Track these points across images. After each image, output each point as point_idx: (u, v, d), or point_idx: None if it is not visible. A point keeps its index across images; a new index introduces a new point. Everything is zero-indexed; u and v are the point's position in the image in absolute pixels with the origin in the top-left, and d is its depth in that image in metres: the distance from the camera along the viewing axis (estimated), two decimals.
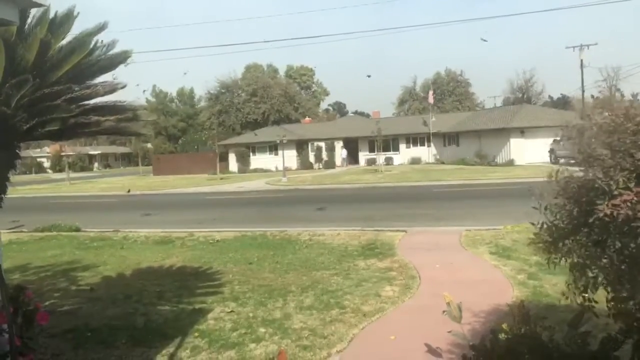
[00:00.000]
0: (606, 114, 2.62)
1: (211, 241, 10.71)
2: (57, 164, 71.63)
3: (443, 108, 64.96)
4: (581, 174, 2.64)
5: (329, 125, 52.94)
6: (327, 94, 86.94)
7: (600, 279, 2.64)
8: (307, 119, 59.76)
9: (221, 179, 37.00)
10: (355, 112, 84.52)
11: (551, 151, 31.79)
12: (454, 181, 24.98)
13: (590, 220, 2.48)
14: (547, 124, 34.50)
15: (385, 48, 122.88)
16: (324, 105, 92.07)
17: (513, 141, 35.45)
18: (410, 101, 71.54)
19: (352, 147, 48.24)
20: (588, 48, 42.07)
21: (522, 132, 35.51)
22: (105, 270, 8.55)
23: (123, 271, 8.46)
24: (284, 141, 36.52)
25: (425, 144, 45.59)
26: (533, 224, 2.78)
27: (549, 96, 70.19)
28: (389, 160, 44.06)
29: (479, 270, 7.31)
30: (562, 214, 2.64)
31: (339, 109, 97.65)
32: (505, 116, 38.68)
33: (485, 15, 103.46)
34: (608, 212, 2.31)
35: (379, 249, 8.97)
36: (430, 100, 48.98)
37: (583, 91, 43.28)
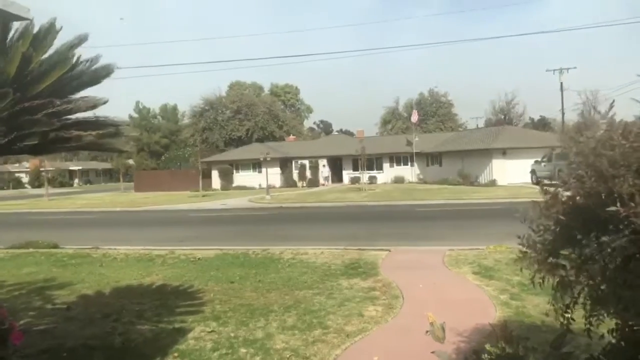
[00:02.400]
0: (591, 133, 2.68)
1: (192, 259, 10.59)
2: (36, 180, 70.51)
3: (426, 128, 65.75)
4: (569, 192, 2.68)
5: (313, 144, 53.10)
6: (311, 112, 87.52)
7: (582, 298, 2.66)
8: (291, 137, 59.91)
9: (204, 196, 36.74)
10: (341, 131, 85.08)
11: (532, 172, 32.26)
12: (437, 201, 25.15)
13: (581, 236, 2.51)
14: (528, 145, 35.11)
15: (370, 68, 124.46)
16: (308, 123, 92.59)
17: (495, 162, 35.94)
18: (393, 121, 72.34)
19: (337, 165, 48.37)
20: (567, 71, 43.18)
21: (504, 152, 36.04)
22: (83, 289, 8.37)
23: (101, 289, 8.29)
24: (268, 159, 36.54)
25: (409, 163, 45.94)
26: (520, 237, 2.80)
27: (530, 118, 71.46)
28: (372, 179, 44.25)
29: (462, 290, 7.33)
30: (551, 229, 2.67)
31: (325, 128, 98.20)
32: (488, 137, 39.27)
33: (470, 37, 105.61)
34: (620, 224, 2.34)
35: (362, 268, 8.95)
36: (414, 119, 49.53)
37: (563, 113, 44.27)
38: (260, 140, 59.77)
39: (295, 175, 47.20)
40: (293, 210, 24.23)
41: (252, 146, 51.17)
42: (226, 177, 47.11)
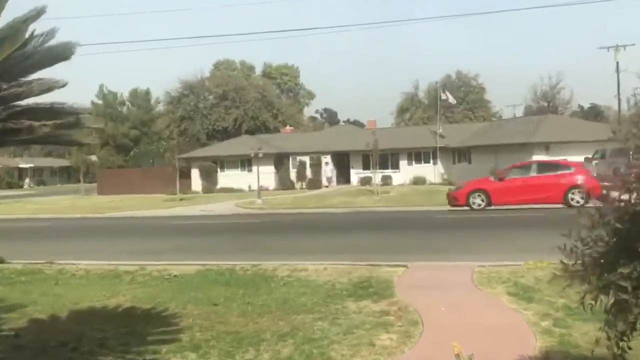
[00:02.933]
0: None
1: (167, 277, 10.61)
2: None
3: (452, 118, 65.79)
4: (628, 196, 2.66)
5: (315, 136, 53.21)
6: (313, 98, 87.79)
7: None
8: (288, 128, 60.06)
9: (181, 199, 36.82)
10: (348, 121, 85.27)
11: None
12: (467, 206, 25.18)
13: None
14: (576, 139, 35.09)
15: (384, 46, 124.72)
16: (309, 111, 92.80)
17: (536, 158, 35.91)
18: (412, 109, 72.41)
19: (343, 163, 48.46)
20: (625, 49, 43.14)
21: (546, 147, 36.03)
22: (34, 312, 8.40)
23: (57, 313, 8.32)
24: (260, 155, 36.54)
25: (431, 160, 45.97)
26: (561, 248, 2.79)
27: (579, 105, 71.50)
28: (386, 180, 44.29)
29: (494, 314, 7.33)
30: (604, 240, 2.66)
31: (329, 117, 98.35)
32: (527, 128, 39.28)
33: (501, 8, 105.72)
34: None
35: (373, 288, 8.96)
36: (451, 99, 49.07)
37: (619, 100, 44.11)
38: (251, 132, 59.87)
39: (292, 174, 47.27)
40: (290, 218, 24.20)
41: (241, 139, 51.28)
42: (209, 177, 47.24)
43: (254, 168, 41.19)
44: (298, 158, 47.54)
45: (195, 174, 47.88)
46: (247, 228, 20.73)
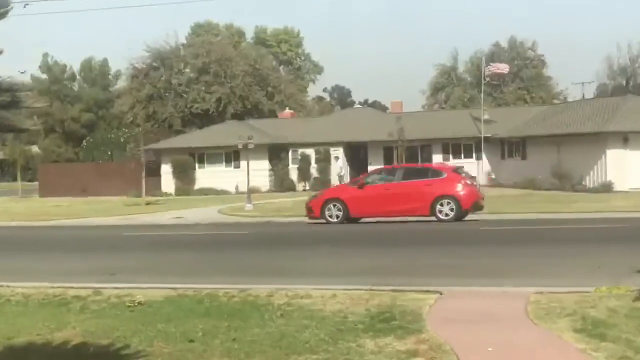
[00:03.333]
0: None
1: (130, 304, 10.62)
2: None
3: (502, 99, 65.73)
4: None
5: (322, 123, 53.30)
6: (320, 72, 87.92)
7: None
8: (287, 111, 60.16)
9: (148, 204, 36.92)
10: (366, 103, 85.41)
11: None
12: (518, 214, 25.16)
13: None
14: None
15: (413, 5, 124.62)
16: (316, 90, 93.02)
17: (611, 153, 35.81)
18: (449, 88, 72.34)
19: (359, 157, 48.51)
20: None
21: (624, 139, 35.91)
22: None
23: None
24: (251, 146, 36.48)
25: (474, 154, 45.98)
26: None
27: None
28: None
29: (556, 356, 7.30)
30: None
31: (341, 98, 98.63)
32: (600, 114, 39.18)
33: None
34: None
35: (397, 321, 8.93)
36: (504, 70, 48.44)
37: None
38: (239, 116, 59.99)
39: (292, 172, 47.33)
40: (289, 228, 24.13)
41: (226, 126, 51.43)
42: (184, 175, 47.36)
43: (243, 163, 41.23)
44: (300, 151, 47.63)
45: (166, 170, 48.03)
46: (234, 241, 20.72)
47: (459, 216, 23.12)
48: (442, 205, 23.19)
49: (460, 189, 23.47)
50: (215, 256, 17.22)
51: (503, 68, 48.26)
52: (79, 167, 55.58)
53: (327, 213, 23.99)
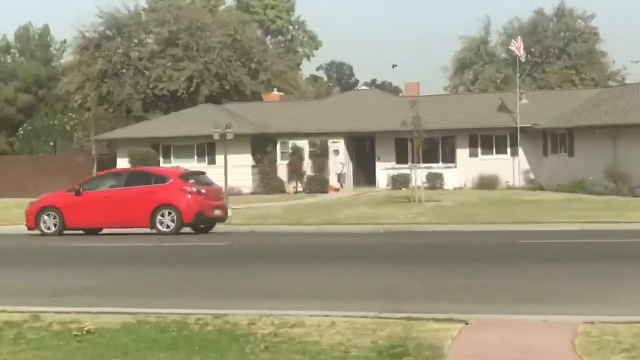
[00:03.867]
0: None
1: (77, 332, 10.57)
2: None
3: (544, 81, 65.62)
4: None
5: (318, 108, 53.35)
6: (317, 47, 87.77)
7: None
8: (275, 93, 60.06)
9: None
10: (373, 84, 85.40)
11: None
12: (563, 225, 25.19)
13: None
14: None
15: None
16: (310, 68, 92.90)
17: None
18: (477, 66, 72.13)
19: (364, 151, 48.54)
20: None
21: None
22: None
23: None
24: (229, 136, 36.42)
25: (507, 149, 46.04)
26: None
27: None
28: (435, 180, 44.42)
29: None
30: None
31: (342, 78, 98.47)
32: None
33: None
34: None
35: (411, 357, 8.91)
36: (520, 51, 48.16)
37: None
38: (215, 99, 59.95)
39: (282, 170, 47.27)
40: (276, 240, 24.20)
41: (199, 111, 51.45)
42: None
43: (220, 158, 41.14)
44: (291, 143, 47.59)
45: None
46: (207, 255, 20.71)
47: (179, 228, 24.37)
48: (162, 215, 24.44)
49: (182, 197, 24.63)
50: (184, 272, 17.12)
51: (521, 50, 47.80)
52: (14, 160, 55.30)
53: (42, 223, 25.14)
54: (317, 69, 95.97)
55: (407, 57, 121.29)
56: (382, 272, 16.21)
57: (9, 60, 78.38)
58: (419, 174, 39.26)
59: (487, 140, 46.44)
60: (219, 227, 27.20)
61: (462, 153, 46.35)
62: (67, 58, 73.15)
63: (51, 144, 59.57)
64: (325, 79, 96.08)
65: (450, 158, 46.58)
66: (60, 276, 16.98)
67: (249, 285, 15.06)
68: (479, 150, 46.45)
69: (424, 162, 41.02)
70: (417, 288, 14.09)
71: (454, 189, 44.42)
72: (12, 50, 79.51)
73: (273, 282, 15.34)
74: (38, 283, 15.99)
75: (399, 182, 44.83)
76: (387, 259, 18.66)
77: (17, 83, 74.39)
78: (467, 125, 46.32)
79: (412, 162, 39.86)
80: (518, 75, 50.68)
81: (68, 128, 58.19)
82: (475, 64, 72.03)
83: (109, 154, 47.80)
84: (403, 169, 44.97)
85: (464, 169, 45.89)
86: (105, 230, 26.15)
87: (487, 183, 44.40)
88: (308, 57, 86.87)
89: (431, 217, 28.49)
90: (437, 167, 45.49)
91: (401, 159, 45.62)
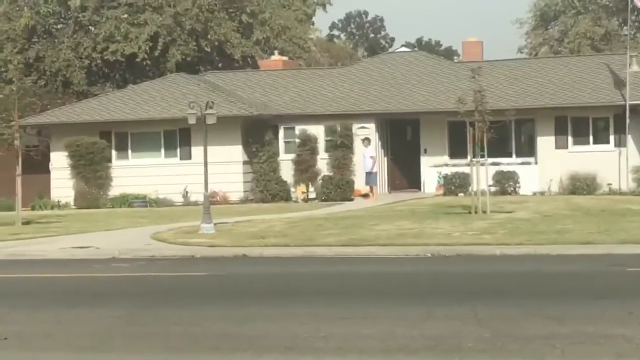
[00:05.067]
0: None
1: None
2: None
3: None
4: None
5: (338, 79, 53.30)
6: None
7: None
8: (276, 57, 59.99)
9: (28, 223, 37.08)
10: (419, 43, 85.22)
11: None
12: None
13: None
14: None
15: None
16: (325, 22, 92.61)
17: None
18: (567, 16, 72.01)
19: (403, 140, 48.57)
20: None
21: None
22: None
23: None
24: (211, 119, 36.21)
25: (611, 137, 45.89)
26: None
27: None
28: (506, 181, 44.32)
29: None
30: None
31: (367, 35, 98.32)
32: None
33: None
34: None
35: None
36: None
37: None
38: (190, 66, 60.09)
39: (286, 167, 47.18)
40: (276, 267, 24.36)
41: (167, 83, 51.57)
42: (91, 171, 47.37)
43: (196, 151, 41.19)
44: (299, 128, 47.47)
45: (60, 163, 48.12)
46: (181, 289, 20.70)
47: None
48: None
49: None
50: (145, 314, 17.10)
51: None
52: None
53: None
54: (335, 26, 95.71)
55: (465, 5, 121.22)
56: (430, 314, 16.05)
57: None
58: (482, 173, 38.96)
59: (581, 124, 46.18)
60: (199, 250, 27.22)
61: (544, 143, 46.11)
62: None
63: None
64: (347, 37, 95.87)
65: (527, 150, 46.44)
66: None
67: (235, 333, 14.93)
68: (569, 139, 46.17)
69: (491, 156, 40.85)
70: (480, 337, 13.94)
71: (534, 193, 44.25)
72: None
73: (271, 329, 15.17)
74: None
75: (453, 184, 44.65)
76: (436, 295, 18.52)
77: None
78: (552, 103, 46.03)
79: (473, 156, 39.46)
80: (628, 30, 50.41)
81: None
82: (564, 14, 71.99)
83: (40, 146, 47.67)
84: (460, 166, 44.80)
85: (548, 165, 45.71)
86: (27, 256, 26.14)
87: (580, 186, 44.15)
88: (323, 6, 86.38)
89: (500, 235, 28.27)
90: (509, 164, 45.28)
91: (457, 151, 45.31)
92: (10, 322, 16.71)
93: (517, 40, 74.61)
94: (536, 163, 45.83)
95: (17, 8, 64.76)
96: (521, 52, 70.07)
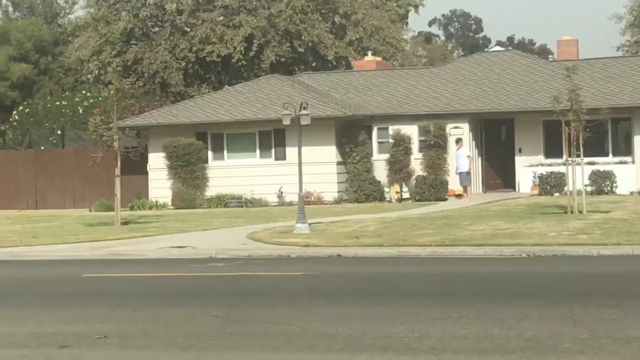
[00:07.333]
0: None
1: None
2: None
3: None
4: None
5: (432, 79, 53.04)
6: None
7: None
8: (370, 58, 59.76)
9: (126, 223, 37.41)
10: (509, 43, 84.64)
11: None
12: None
13: None
14: None
15: None
16: (419, 22, 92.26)
17: None
18: None
19: (497, 140, 48.20)
20: None
21: None
22: None
23: None
24: (305, 120, 36.19)
25: None
26: None
27: None
28: (603, 181, 43.80)
29: None
30: None
31: (463, 35, 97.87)
32: None
33: None
34: None
35: None
36: None
37: None
38: (285, 67, 60.10)
39: (379, 167, 47.03)
40: (370, 267, 24.22)
41: (262, 84, 51.53)
42: (188, 172, 47.48)
43: (291, 152, 41.14)
44: (393, 128, 47.27)
45: (157, 164, 48.33)
46: (278, 289, 20.69)
47: None
48: None
49: None
50: (242, 315, 17.08)
51: None
52: (5, 156, 55.67)
53: None
54: (430, 24, 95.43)
55: (558, 3, 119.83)
56: (526, 315, 15.88)
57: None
58: (578, 173, 38.61)
59: None
60: (293, 250, 27.24)
61: None
62: (79, 13, 73.93)
63: (58, 132, 59.93)
64: (442, 37, 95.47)
65: (625, 149, 45.80)
66: (66, 317, 17.22)
67: (330, 332, 14.86)
68: None
69: (587, 155, 40.50)
70: (577, 338, 13.77)
71: (631, 193, 43.44)
72: (4, 1, 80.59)
73: (366, 328, 15.07)
74: (39, 327, 16.11)
75: (549, 184, 44.21)
76: (532, 296, 18.31)
77: (10, 49, 75.15)
78: None
79: (569, 155, 39.14)
80: None
81: (80, 111, 58.67)
82: None
83: (138, 147, 47.82)
84: (555, 166, 44.40)
85: None
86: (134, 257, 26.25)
87: None
88: (416, 7, 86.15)
89: (597, 235, 27.88)
90: (606, 163, 44.70)
91: (552, 151, 44.97)
92: (110, 321, 16.83)
93: (614, 38, 73.71)
94: (633, 162, 45.17)
95: (115, 12, 65.22)
96: (619, 50, 69.14)
